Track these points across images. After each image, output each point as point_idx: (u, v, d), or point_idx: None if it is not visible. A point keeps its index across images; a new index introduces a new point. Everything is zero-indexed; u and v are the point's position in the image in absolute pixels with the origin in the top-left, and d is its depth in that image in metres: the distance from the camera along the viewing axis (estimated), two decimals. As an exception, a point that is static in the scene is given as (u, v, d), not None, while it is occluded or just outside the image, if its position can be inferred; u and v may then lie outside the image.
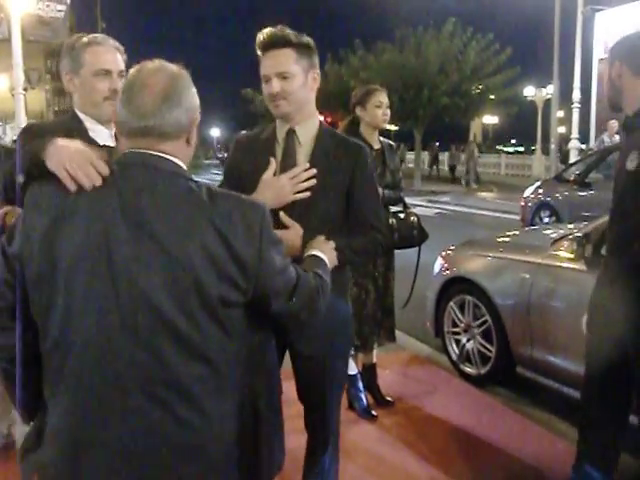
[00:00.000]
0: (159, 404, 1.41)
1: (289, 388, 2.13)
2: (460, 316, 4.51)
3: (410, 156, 26.47)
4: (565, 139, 22.96)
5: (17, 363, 1.53)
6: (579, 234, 3.54)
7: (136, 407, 1.41)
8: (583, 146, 18.36)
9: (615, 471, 2.73)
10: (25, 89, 12.92)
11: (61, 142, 1.54)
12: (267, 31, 2.13)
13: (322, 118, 2.31)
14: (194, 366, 1.43)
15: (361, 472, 3.14)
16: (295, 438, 2.21)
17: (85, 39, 2.27)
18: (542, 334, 3.84)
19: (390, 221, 3.61)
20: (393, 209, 3.76)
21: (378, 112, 3.70)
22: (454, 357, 4.56)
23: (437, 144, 32.83)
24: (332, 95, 21.73)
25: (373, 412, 3.78)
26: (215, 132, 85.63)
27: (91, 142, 2.15)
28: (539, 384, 3.95)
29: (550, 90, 25.22)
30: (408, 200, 4.00)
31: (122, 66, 2.27)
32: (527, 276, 3.96)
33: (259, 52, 2.16)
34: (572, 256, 3.63)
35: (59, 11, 16.09)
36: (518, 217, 11.43)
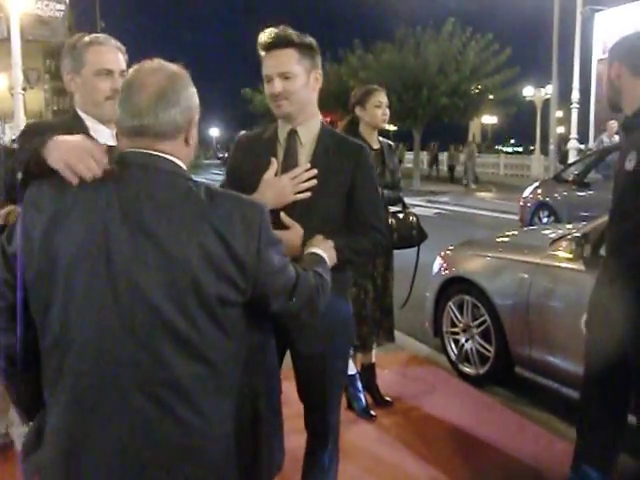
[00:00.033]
0: (158, 404, 1.41)
1: (289, 388, 2.13)
2: (459, 316, 4.51)
3: (409, 156, 26.46)
4: (564, 139, 22.97)
5: (17, 363, 1.54)
6: (578, 234, 3.54)
7: (134, 407, 1.41)
8: (582, 146, 18.38)
9: (614, 471, 2.73)
10: (24, 89, 12.92)
11: (61, 137, 1.54)
12: (269, 31, 2.13)
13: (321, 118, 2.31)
14: (193, 366, 1.43)
15: (360, 472, 3.14)
16: (295, 438, 2.21)
17: (87, 39, 2.28)
18: (541, 334, 3.84)
19: (389, 221, 3.61)
20: (392, 209, 3.76)
21: (378, 112, 3.70)
22: (453, 357, 4.56)
23: (437, 144, 32.85)
24: (331, 95, 21.73)
25: (372, 412, 3.78)
26: (214, 132, 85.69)
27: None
28: (538, 384, 3.95)
29: (549, 90, 25.23)
30: (407, 200, 4.00)
31: (123, 66, 2.27)
32: (526, 276, 3.96)
33: (261, 52, 2.16)
34: (571, 256, 3.64)
35: (58, 10, 16.10)
36: (517, 217, 11.44)
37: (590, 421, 2.74)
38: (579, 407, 2.84)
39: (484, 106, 26.11)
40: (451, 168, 28.61)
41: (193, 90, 1.53)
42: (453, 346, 4.58)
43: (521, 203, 11.12)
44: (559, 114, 24.43)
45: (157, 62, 1.51)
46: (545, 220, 10.29)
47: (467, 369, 4.43)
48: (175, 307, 1.40)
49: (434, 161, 32.39)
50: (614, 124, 12.03)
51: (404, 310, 4.16)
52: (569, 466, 2.80)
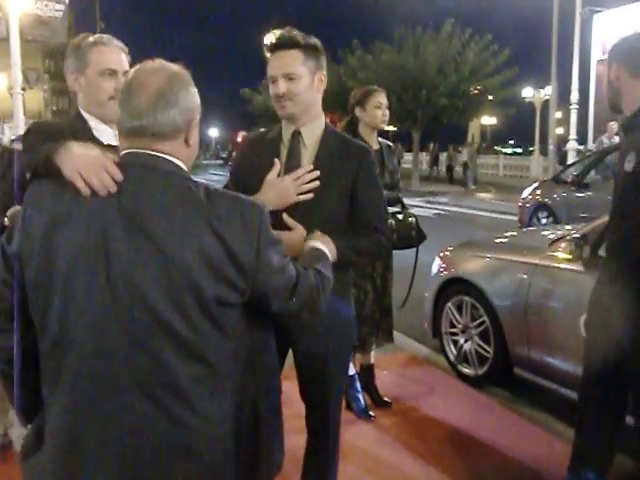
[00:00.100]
0: (156, 404, 1.41)
1: (289, 388, 2.13)
2: (458, 317, 4.52)
3: (408, 157, 26.47)
4: (563, 140, 22.98)
5: (15, 364, 1.54)
6: (577, 235, 3.55)
7: (132, 407, 1.41)
8: (581, 147, 18.40)
9: (608, 471, 2.73)
10: (23, 89, 12.90)
11: (76, 149, 1.55)
12: (275, 32, 2.14)
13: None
14: (191, 366, 1.43)
15: (359, 472, 3.15)
16: (295, 438, 2.21)
17: (91, 39, 2.29)
18: (539, 335, 3.84)
19: (388, 222, 3.61)
20: (391, 210, 3.75)
21: (378, 113, 3.71)
22: (452, 358, 4.56)
23: (437, 145, 32.87)
24: (330, 95, 21.72)
25: (371, 413, 3.78)
26: (213, 132, 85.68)
27: (95, 141, 2.16)
28: (536, 385, 3.95)
29: (548, 91, 25.25)
30: (406, 201, 4.01)
31: (127, 66, 2.28)
32: (525, 277, 3.96)
33: (267, 53, 2.17)
34: (570, 257, 3.64)
35: (57, 11, 16.09)
36: (516, 218, 11.45)
37: (588, 422, 2.75)
38: (578, 408, 2.84)
39: (483, 107, 26.10)
40: (450, 169, 28.62)
41: (194, 90, 1.53)
42: (452, 347, 4.58)
43: (520, 204, 11.12)
44: (558, 115, 24.45)
45: (158, 62, 1.51)
46: (544, 221, 10.29)
47: (466, 370, 4.44)
48: (173, 308, 1.40)
49: (434, 162, 32.38)
50: (614, 125, 12.06)
51: (403, 311, 4.16)
52: (567, 466, 2.81)
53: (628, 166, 2.38)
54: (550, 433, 3.59)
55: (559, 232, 4.43)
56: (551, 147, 21.22)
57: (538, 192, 10.82)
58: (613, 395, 2.66)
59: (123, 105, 1.47)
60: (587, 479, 2.69)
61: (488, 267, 4.39)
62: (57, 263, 1.42)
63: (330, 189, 2.15)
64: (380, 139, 3.87)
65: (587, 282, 3.04)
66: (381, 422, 3.72)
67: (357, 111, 3.73)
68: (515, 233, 5.77)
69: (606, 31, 20.24)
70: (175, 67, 1.51)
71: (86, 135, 2.21)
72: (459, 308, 4.51)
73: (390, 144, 3.97)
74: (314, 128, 2.23)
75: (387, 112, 3.76)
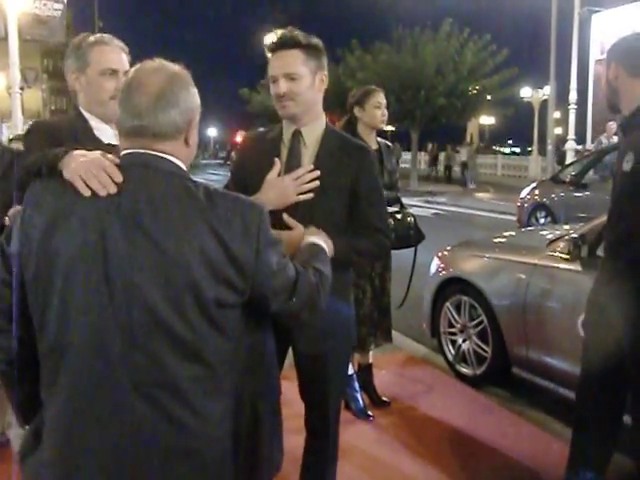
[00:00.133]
0: (153, 404, 1.41)
1: (289, 388, 2.14)
2: (456, 316, 4.52)
3: (407, 157, 26.45)
4: (562, 140, 23.01)
5: (15, 365, 1.54)
6: (575, 235, 3.55)
7: (130, 407, 1.41)
8: (579, 147, 18.41)
9: (606, 471, 2.74)
10: (22, 88, 12.91)
11: (77, 152, 1.56)
12: (276, 32, 2.14)
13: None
14: (189, 367, 1.43)
15: (357, 472, 3.15)
16: (295, 438, 2.22)
17: (92, 38, 2.29)
18: (538, 335, 3.84)
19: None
20: (390, 209, 3.75)
21: (377, 113, 3.71)
22: (450, 357, 4.56)
23: (436, 145, 32.85)
24: (329, 95, 21.69)
25: (369, 412, 3.78)
26: (212, 132, 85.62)
27: (96, 140, 2.17)
28: (535, 384, 3.96)
29: (547, 91, 25.30)
30: (405, 200, 4.01)
31: (127, 66, 2.29)
32: (523, 277, 3.97)
33: (268, 53, 2.17)
34: (568, 257, 3.64)
35: (56, 10, 16.06)
36: (514, 218, 11.45)
37: (586, 421, 2.75)
38: (575, 407, 2.84)
39: (482, 107, 26.09)
40: (448, 168, 28.62)
41: (194, 91, 1.53)
42: (450, 346, 4.58)
43: (518, 204, 11.13)
44: (557, 115, 24.47)
45: (158, 62, 1.51)
46: (542, 221, 10.30)
47: (464, 369, 4.44)
48: (172, 308, 1.40)
49: (434, 162, 32.38)
50: (613, 125, 12.06)
51: (402, 310, 4.16)
52: (565, 466, 2.81)
53: (626, 166, 2.38)
54: (548, 433, 3.59)
55: (557, 232, 4.43)
56: (549, 147, 21.25)
57: (536, 192, 10.83)
58: (611, 395, 2.66)
59: (123, 105, 1.47)
60: (585, 479, 2.70)
61: (486, 267, 4.39)
62: (56, 263, 1.42)
63: (330, 189, 2.15)
64: (379, 139, 3.87)
65: (585, 282, 3.05)
66: (379, 422, 3.72)
67: (356, 111, 3.73)
68: (513, 233, 5.77)
69: (604, 31, 20.27)
70: (175, 67, 1.51)
71: (87, 134, 2.22)
72: (457, 308, 4.51)
73: (389, 144, 3.97)
74: (315, 128, 2.23)
75: (386, 112, 3.77)
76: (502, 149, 60.08)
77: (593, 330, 2.70)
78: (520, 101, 32.37)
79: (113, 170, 1.45)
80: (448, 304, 4.57)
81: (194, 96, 1.52)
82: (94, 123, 2.28)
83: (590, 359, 2.69)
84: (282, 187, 2.11)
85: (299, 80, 2.12)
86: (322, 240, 1.91)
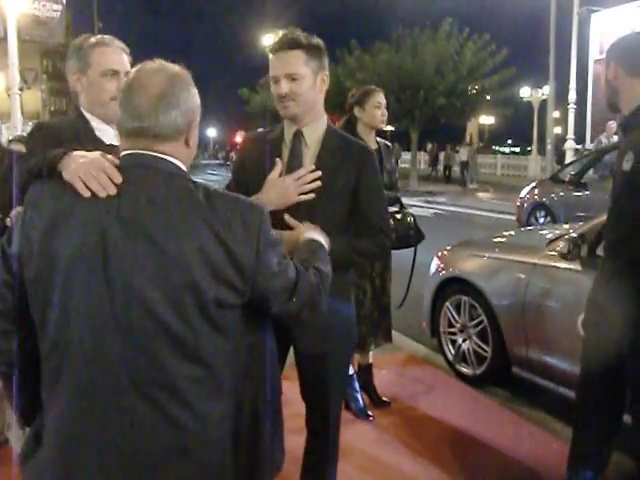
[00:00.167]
0: (153, 405, 1.41)
1: (289, 388, 2.14)
2: (456, 316, 4.52)
3: (406, 157, 26.45)
4: (561, 140, 23.02)
5: (16, 366, 1.54)
6: (574, 234, 3.55)
7: (129, 407, 1.41)
8: (579, 146, 18.41)
9: (606, 470, 2.74)
10: (21, 89, 12.89)
11: (77, 153, 1.56)
12: (278, 32, 2.14)
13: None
14: (189, 367, 1.43)
15: (358, 472, 3.15)
16: (295, 438, 2.21)
17: (93, 39, 2.30)
18: (538, 334, 3.85)
19: (387, 221, 3.62)
20: (390, 209, 3.75)
21: (377, 112, 3.71)
22: (450, 357, 4.57)
23: (436, 145, 32.86)
24: (328, 95, 21.68)
25: (369, 412, 3.78)
26: (212, 132, 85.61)
27: (97, 141, 2.17)
28: (535, 384, 3.96)
29: (546, 91, 25.30)
30: (405, 200, 4.01)
31: (128, 67, 2.29)
32: (523, 276, 3.97)
33: (269, 53, 2.18)
34: (567, 256, 3.64)
35: (55, 11, 16.03)
36: (514, 217, 11.45)
37: (586, 420, 2.75)
38: (575, 407, 2.85)
39: (481, 106, 26.11)
40: (448, 168, 28.62)
41: (194, 91, 1.53)
42: (450, 346, 4.58)
43: (518, 203, 11.12)
44: (556, 114, 24.51)
45: (158, 63, 1.51)
46: (542, 220, 10.29)
47: (464, 369, 4.44)
48: (172, 309, 1.40)
49: (434, 161, 32.38)
50: (613, 124, 12.04)
51: (401, 310, 4.16)
52: (565, 465, 2.81)
53: (626, 165, 2.38)
54: (548, 432, 3.59)
55: (557, 231, 4.43)
56: (549, 146, 21.26)
57: (536, 191, 10.82)
58: (610, 394, 2.66)
59: (124, 106, 1.47)
60: (585, 478, 2.70)
61: (486, 266, 4.39)
62: (56, 264, 1.42)
63: (332, 189, 2.15)
64: (378, 139, 3.87)
65: (585, 281, 3.05)
66: (380, 422, 3.73)
67: (356, 111, 3.73)
68: (513, 233, 5.76)
69: (604, 31, 20.28)
70: (176, 68, 1.51)
71: (88, 135, 2.23)
72: (457, 307, 4.52)
73: (388, 144, 3.98)
74: (316, 128, 2.23)
75: (386, 112, 3.77)
76: (501, 149, 60.12)
77: (593, 329, 2.70)
78: (519, 101, 32.37)
79: (112, 171, 1.45)
80: (448, 304, 4.57)
81: (195, 97, 1.52)
82: (95, 124, 2.28)
83: (590, 358, 2.69)
84: (283, 187, 2.11)
85: (300, 80, 2.12)
86: (320, 235, 1.91)
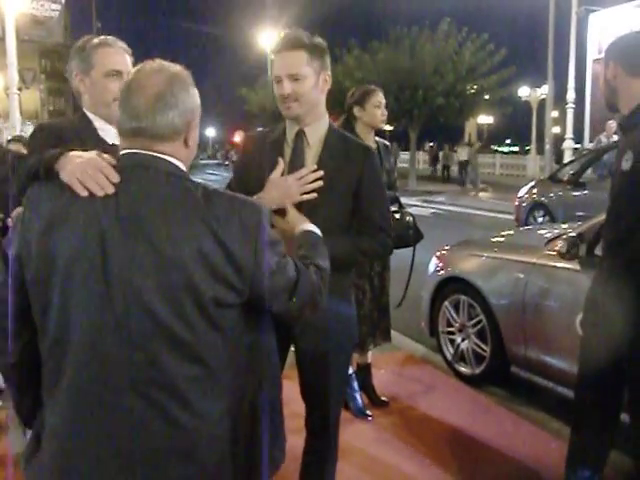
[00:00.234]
0: (152, 404, 1.42)
1: (290, 388, 2.13)
2: (455, 316, 4.52)
3: (405, 156, 26.46)
4: (560, 139, 23.03)
5: (16, 366, 1.54)
6: (573, 234, 3.55)
7: (128, 407, 1.41)
8: (578, 146, 18.42)
9: (604, 469, 2.74)
10: (19, 89, 12.90)
11: (73, 153, 1.56)
12: (280, 33, 2.15)
13: None
14: (188, 367, 1.43)
15: (357, 471, 3.15)
16: (294, 438, 2.21)
17: (96, 40, 2.30)
18: (536, 334, 3.85)
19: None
20: (389, 209, 3.76)
21: (377, 112, 3.71)
22: (449, 357, 4.57)
23: (436, 144, 32.86)
24: (327, 95, 21.68)
25: (368, 412, 3.78)
26: (210, 132, 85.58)
27: (100, 141, 2.18)
28: (533, 383, 3.96)
29: (545, 90, 25.31)
30: (403, 200, 4.00)
31: (130, 67, 2.30)
32: (522, 276, 3.97)
33: (271, 53, 2.18)
34: (566, 256, 3.64)
35: (53, 11, 16.06)
36: (513, 217, 11.45)
37: (584, 420, 2.76)
38: (574, 406, 2.85)
39: (480, 106, 26.10)
40: (446, 168, 28.62)
41: (194, 92, 1.52)
42: (449, 346, 4.59)
43: (516, 203, 11.12)
44: (554, 114, 24.53)
45: (158, 63, 1.51)
46: (540, 220, 10.29)
47: (463, 369, 4.44)
48: (170, 309, 1.40)
49: (434, 161, 32.37)
50: (612, 124, 12.04)
51: (400, 310, 4.16)
52: (564, 465, 2.82)
53: (625, 165, 2.39)
54: (547, 431, 3.60)
55: (556, 231, 4.43)
56: (547, 146, 21.29)
57: (534, 191, 10.82)
58: (609, 393, 2.67)
59: (123, 106, 1.48)
60: (583, 477, 2.70)
61: (485, 266, 4.40)
62: (55, 264, 1.42)
63: (333, 189, 2.15)
64: (377, 138, 3.87)
65: (583, 281, 3.05)
66: (378, 421, 3.73)
67: (356, 110, 3.72)
68: (512, 232, 5.77)
69: (602, 30, 20.27)
70: (176, 68, 1.51)
71: (91, 135, 2.23)
72: (456, 307, 4.52)
73: (387, 143, 3.98)
74: (318, 128, 2.23)
75: (386, 111, 3.77)
76: (500, 148, 60.12)
77: (591, 329, 2.70)
78: (518, 100, 32.40)
79: (109, 171, 1.45)
80: (447, 303, 4.58)
81: (194, 97, 1.52)
82: (98, 124, 2.29)
83: (588, 358, 2.70)
84: (285, 187, 2.11)
85: (303, 80, 2.12)
86: (312, 225, 1.90)
